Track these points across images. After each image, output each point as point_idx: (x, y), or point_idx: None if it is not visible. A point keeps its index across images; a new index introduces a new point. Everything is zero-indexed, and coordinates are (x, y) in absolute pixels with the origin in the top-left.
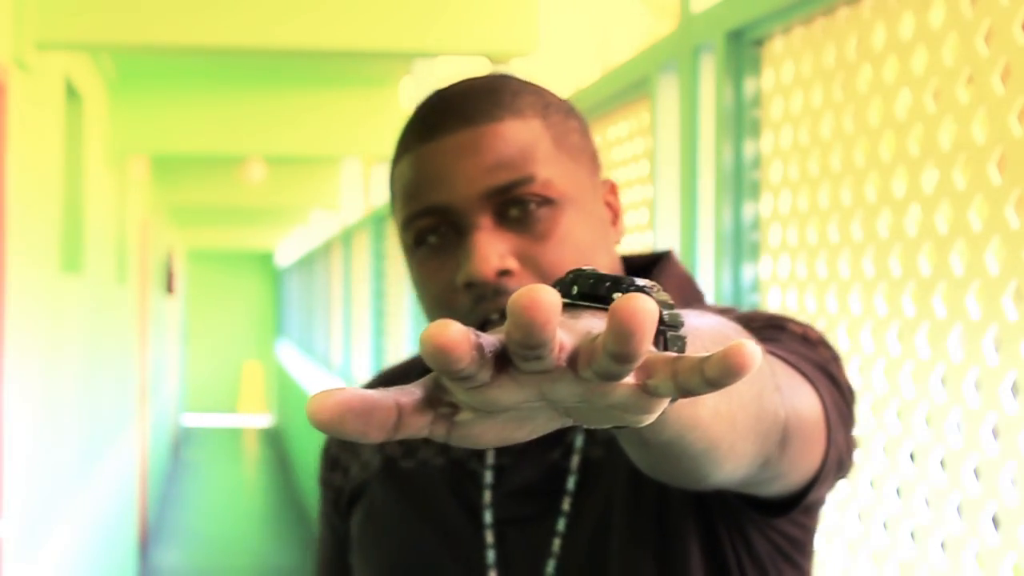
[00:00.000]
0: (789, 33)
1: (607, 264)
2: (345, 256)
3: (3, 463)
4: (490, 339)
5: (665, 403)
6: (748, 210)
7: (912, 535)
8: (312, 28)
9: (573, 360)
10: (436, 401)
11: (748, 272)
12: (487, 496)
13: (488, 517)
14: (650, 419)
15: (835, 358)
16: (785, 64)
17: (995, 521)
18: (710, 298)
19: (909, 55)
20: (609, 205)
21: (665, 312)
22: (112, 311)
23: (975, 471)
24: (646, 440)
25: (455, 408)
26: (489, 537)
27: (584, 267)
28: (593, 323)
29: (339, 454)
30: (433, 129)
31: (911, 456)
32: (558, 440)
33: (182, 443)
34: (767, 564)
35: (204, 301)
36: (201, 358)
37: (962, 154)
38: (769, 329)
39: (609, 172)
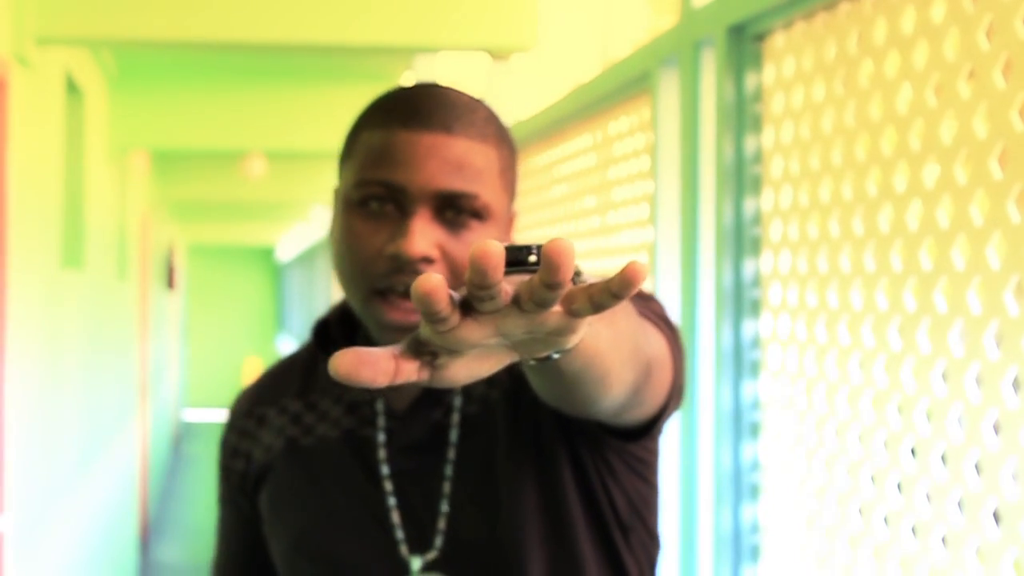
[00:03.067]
0: (790, 28)
1: None
2: None
3: (3, 458)
4: (454, 293)
5: (585, 325)
6: (749, 205)
7: (913, 530)
8: (312, 23)
9: (517, 300)
10: (419, 352)
11: (749, 267)
12: (382, 454)
13: (385, 470)
14: (576, 340)
15: (663, 306)
16: (786, 59)
17: (996, 516)
18: (709, 292)
19: (910, 50)
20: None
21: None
22: (113, 306)
23: (976, 466)
24: (561, 371)
25: (434, 356)
26: (388, 486)
27: (505, 243)
28: (521, 279)
29: (238, 443)
30: (417, 120)
31: (912, 451)
32: (438, 401)
33: (183, 438)
34: (624, 481)
35: (205, 296)
36: (202, 353)
37: (963, 149)
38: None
39: (609, 167)
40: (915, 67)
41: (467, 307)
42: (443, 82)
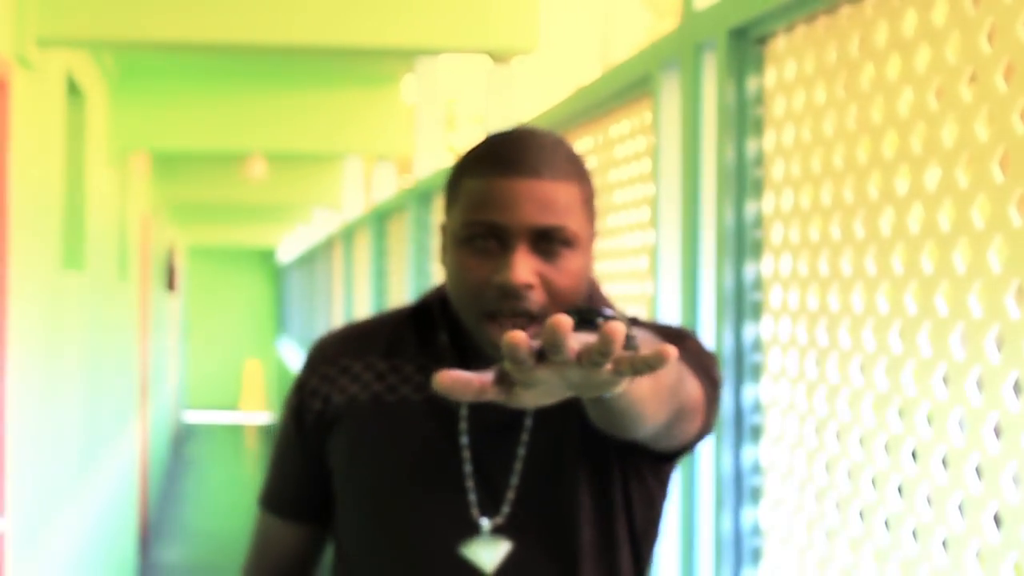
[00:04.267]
0: (792, 31)
1: (586, 287)
2: (346, 253)
3: (4, 459)
4: (534, 343)
5: (627, 381)
6: (750, 208)
7: (914, 533)
8: (314, 24)
9: (579, 356)
10: (502, 379)
11: (750, 270)
12: (463, 425)
13: (465, 440)
14: (621, 389)
15: (714, 361)
16: (787, 62)
17: (997, 519)
18: (710, 295)
19: (912, 53)
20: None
21: (628, 330)
22: (113, 307)
23: (977, 469)
24: (610, 406)
25: (512, 384)
26: (466, 454)
27: (580, 306)
28: (587, 337)
29: (319, 385)
30: (511, 168)
31: (913, 454)
32: None
33: (183, 439)
34: (652, 489)
35: (205, 298)
36: (202, 354)
37: (965, 152)
38: (676, 339)
39: (609, 170)
40: (916, 70)
41: (541, 355)
42: (528, 127)
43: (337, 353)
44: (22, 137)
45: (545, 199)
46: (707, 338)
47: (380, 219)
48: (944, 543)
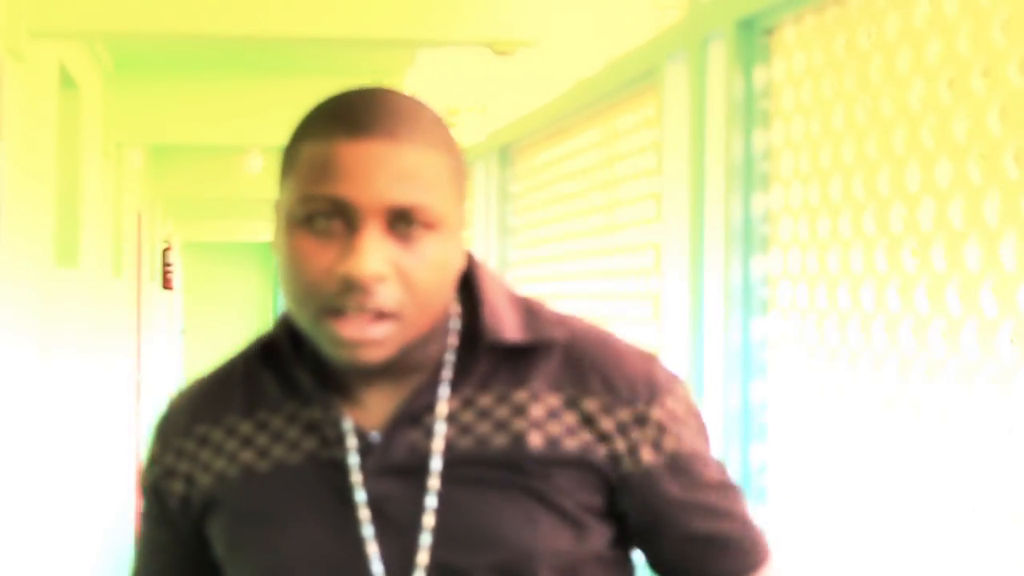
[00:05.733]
0: (800, 22)
1: (452, 281)
2: None
3: None
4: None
5: None
6: (758, 203)
7: (924, 532)
8: (311, 15)
9: None
10: None
11: (758, 266)
12: (356, 477)
13: (360, 495)
14: None
15: (715, 462)
16: (796, 53)
17: (999, 523)
18: (716, 291)
19: (923, 45)
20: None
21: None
22: (107, 305)
23: (989, 468)
24: None
25: None
26: (364, 514)
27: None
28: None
29: (175, 464)
30: (360, 128)
31: (923, 452)
32: (416, 422)
33: None
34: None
35: (202, 294)
36: (199, 352)
37: (977, 147)
38: (715, 491)
39: (615, 164)
40: (927, 62)
41: None
42: (384, 85)
43: (191, 421)
44: (14, 131)
45: (404, 169)
46: (714, 334)
47: None
48: (946, 546)
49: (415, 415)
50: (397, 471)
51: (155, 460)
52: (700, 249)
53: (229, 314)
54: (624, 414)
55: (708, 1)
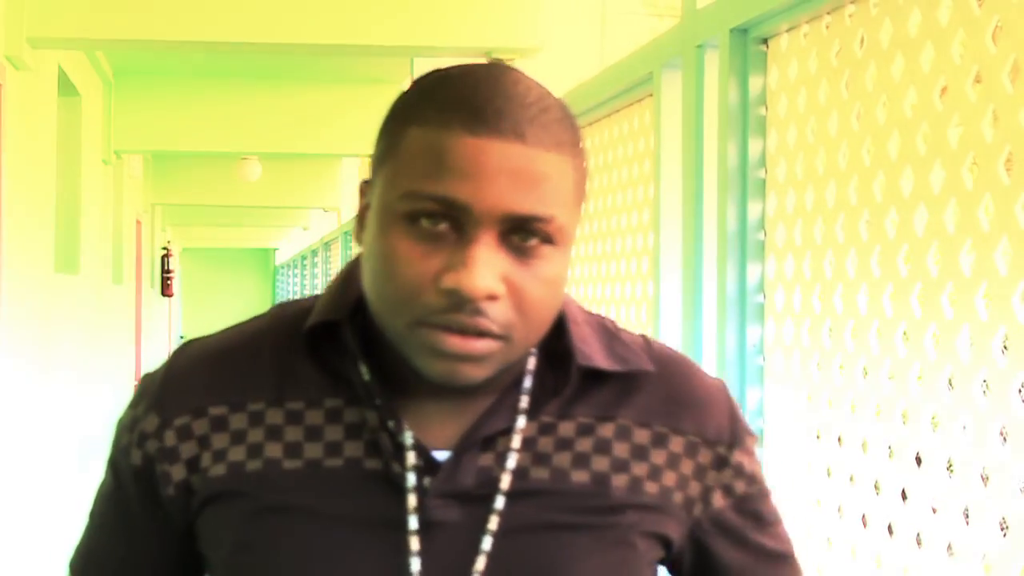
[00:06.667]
0: (795, 30)
1: (561, 299)
2: (344, 254)
3: None
4: None
5: None
6: (753, 209)
7: (916, 539)
8: (311, 23)
9: None
10: None
11: (753, 272)
12: (412, 500)
13: (413, 522)
14: None
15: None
16: (790, 61)
17: (1001, 526)
18: (712, 298)
19: (916, 53)
20: None
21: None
22: (107, 311)
23: (981, 475)
24: None
25: None
26: (414, 544)
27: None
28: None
29: (179, 445)
30: (482, 122)
31: (916, 459)
32: (489, 444)
33: None
34: None
35: (201, 299)
36: None
37: (970, 153)
38: (776, 537)
39: (610, 171)
40: (921, 70)
41: None
42: (502, 64)
43: (203, 399)
44: (15, 139)
45: (528, 174)
46: (709, 340)
47: None
48: (948, 547)
49: (488, 438)
50: (461, 498)
51: (148, 434)
52: (696, 255)
53: (228, 319)
54: (705, 456)
55: (703, 9)
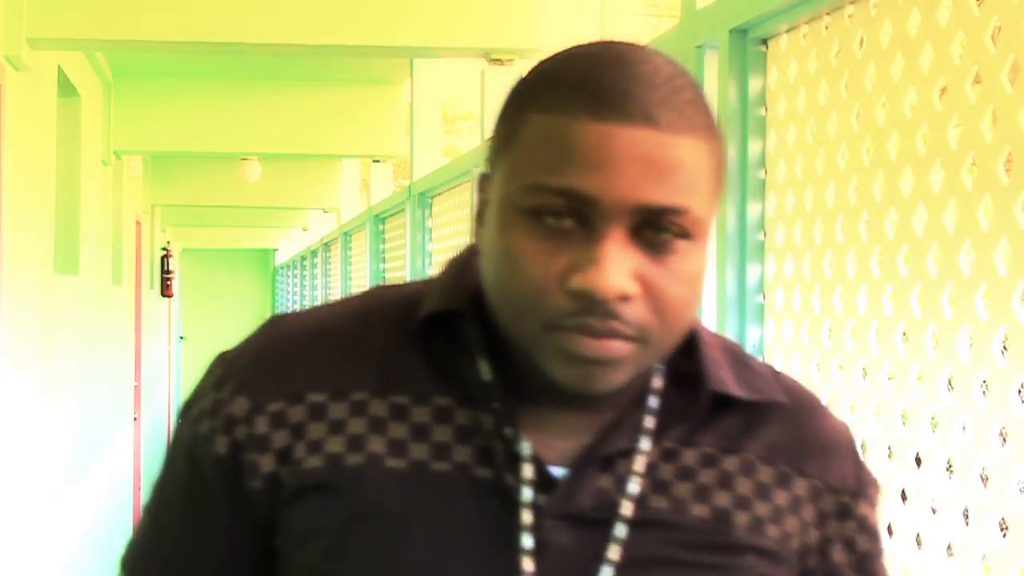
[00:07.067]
0: (794, 30)
1: (699, 299)
2: (344, 255)
3: None
4: None
5: None
6: (753, 210)
7: (916, 540)
8: (311, 24)
9: None
10: None
11: (753, 272)
12: (527, 516)
13: (528, 541)
14: None
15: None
16: (790, 62)
17: (1002, 526)
18: (712, 298)
19: (916, 53)
20: None
21: None
22: (107, 312)
23: (981, 475)
24: None
25: None
26: (528, 565)
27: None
28: None
29: (271, 432)
30: (611, 108)
31: (916, 460)
32: (608, 465)
33: None
34: None
35: (201, 300)
36: (198, 359)
37: (969, 153)
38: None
39: None
40: (920, 70)
41: None
42: (626, 42)
43: (301, 380)
44: (14, 139)
45: (662, 163)
46: None
47: (378, 221)
48: (947, 547)
49: (608, 457)
50: (576, 520)
51: (236, 418)
52: None
53: (228, 320)
54: (828, 503)
55: (703, 10)
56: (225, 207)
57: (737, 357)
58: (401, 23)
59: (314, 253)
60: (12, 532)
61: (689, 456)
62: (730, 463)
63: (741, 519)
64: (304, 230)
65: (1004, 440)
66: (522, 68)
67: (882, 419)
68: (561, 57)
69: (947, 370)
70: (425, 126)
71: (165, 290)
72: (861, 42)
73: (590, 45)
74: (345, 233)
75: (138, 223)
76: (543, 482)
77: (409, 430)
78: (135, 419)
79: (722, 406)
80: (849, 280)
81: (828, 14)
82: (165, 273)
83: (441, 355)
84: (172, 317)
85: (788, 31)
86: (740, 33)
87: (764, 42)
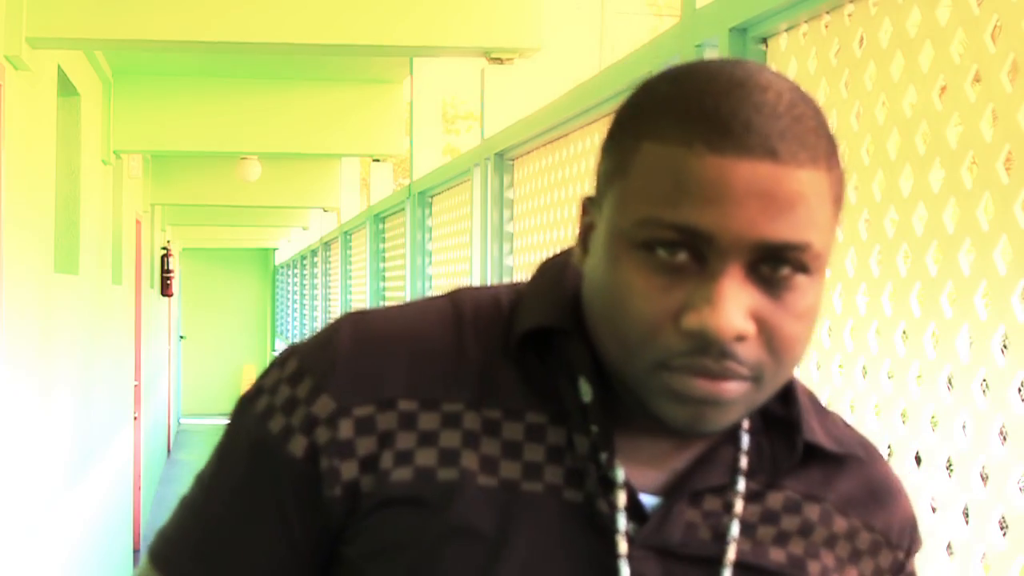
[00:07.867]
0: (794, 29)
1: (811, 336)
2: (344, 255)
3: None
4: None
5: None
6: None
7: None
8: (311, 23)
9: None
10: None
11: None
12: (622, 545)
13: (625, 571)
14: None
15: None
16: (790, 61)
17: (1002, 525)
18: None
19: (916, 52)
20: None
21: None
22: (107, 312)
23: (981, 474)
24: None
25: None
26: None
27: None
28: None
29: (355, 439)
30: (731, 140)
31: (916, 458)
32: (697, 500)
33: (178, 446)
34: None
35: (202, 301)
36: (198, 359)
37: (969, 152)
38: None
39: None
40: (920, 69)
41: None
42: (741, 62)
43: (392, 385)
44: (14, 139)
45: (782, 198)
46: None
47: (378, 220)
48: (947, 546)
49: (697, 493)
50: (663, 553)
51: (319, 419)
52: None
53: (228, 320)
54: (885, 559)
55: (703, 9)
56: (225, 206)
57: (817, 404)
58: (401, 22)
59: (314, 252)
60: (12, 532)
61: (774, 499)
62: (811, 511)
63: (813, 568)
64: (304, 229)
65: (1004, 439)
66: (521, 63)
67: (882, 418)
68: (677, 78)
69: (947, 369)
70: (425, 125)
71: (165, 290)
72: (861, 41)
73: (708, 67)
74: (345, 232)
75: (138, 222)
76: (633, 511)
77: (501, 447)
78: (135, 419)
79: (807, 453)
80: (849, 279)
81: (828, 13)
82: (165, 272)
83: (536, 370)
84: (172, 317)
85: (788, 30)
86: (740, 32)
87: (764, 41)
